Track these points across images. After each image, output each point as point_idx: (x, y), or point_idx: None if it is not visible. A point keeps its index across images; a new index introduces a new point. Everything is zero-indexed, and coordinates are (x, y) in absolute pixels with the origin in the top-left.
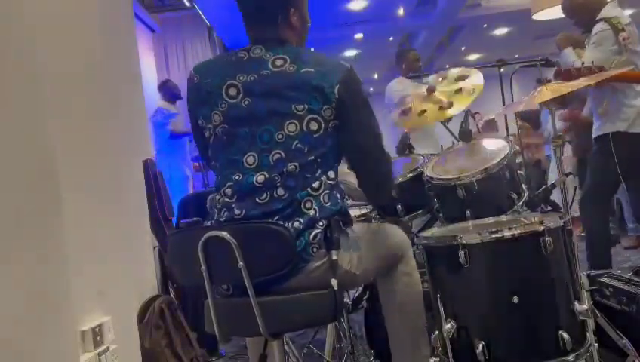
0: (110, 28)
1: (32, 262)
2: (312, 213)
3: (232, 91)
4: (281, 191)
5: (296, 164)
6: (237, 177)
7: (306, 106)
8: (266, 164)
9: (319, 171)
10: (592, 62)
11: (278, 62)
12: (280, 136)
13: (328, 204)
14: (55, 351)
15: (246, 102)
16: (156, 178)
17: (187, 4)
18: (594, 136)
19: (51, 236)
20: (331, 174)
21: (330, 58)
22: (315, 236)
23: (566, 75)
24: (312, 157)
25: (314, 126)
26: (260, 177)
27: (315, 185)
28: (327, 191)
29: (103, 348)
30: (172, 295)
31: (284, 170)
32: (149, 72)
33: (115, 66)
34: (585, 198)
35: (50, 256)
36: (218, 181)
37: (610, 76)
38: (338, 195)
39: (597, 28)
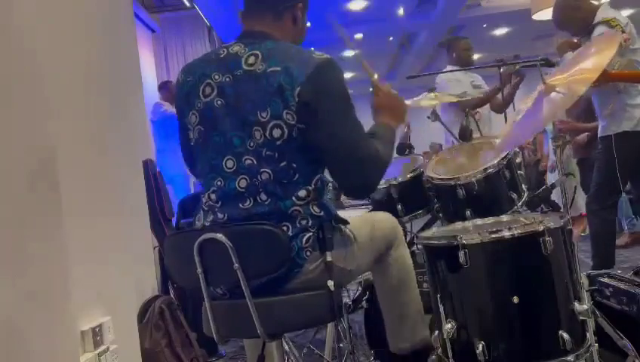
0: (110, 28)
1: (32, 262)
2: (303, 222)
3: (207, 90)
4: (264, 197)
5: (268, 171)
6: (219, 182)
7: (269, 112)
8: (243, 167)
9: (297, 176)
10: None
11: (251, 60)
12: (251, 144)
13: (322, 213)
14: (55, 351)
15: (219, 103)
16: (156, 178)
17: (187, 4)
18: (600, 135)
19: (51, 236)
20: (318, 181)
21: (305, 52)
22: (308, 239)
23: None
24: (285, 163)
25: (277, 133)
26: (241, 181)
27: (301, 194)
28: (317, 201)
29: (103, 348)
30: (172, 295)
31: (259, 176)
32: (149, 72)
33: (115, 66)
34: (591, 198)
35: (50, 256)
36: (203, 184)
37: (612, 78)
38: (330, 202)
39: (597, 31)
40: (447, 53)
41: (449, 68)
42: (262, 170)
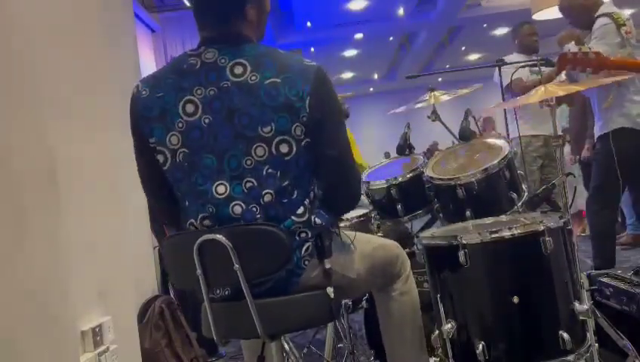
0: (110, 28)
1: (33, 262)
2: (303, 235)
3: (190, 108)
4: (261, 222)
5: (271, 191)
6: (210, 209)
7: (273, 126)
8: (239, 192)
9: (296, 193)
10: (590, 48)
11: (238, 70)
12: (249, 162)
13: (322, 223)
14: (55, 351)
15: (206, 121)
16: None
17: (187, 3)
18: (597, 134)
19: (51, 236)
20: (312, 195)
21: (295, 59)
22: (307, 248)
23: (562, 60)
24: (287, 182)
25: (284, 148)
26: (236, 208)
27: (299, 211)
28: (314, 214)
29: (103, 348)
30: (172, 295)
31: (261, 200)
32: (149, 72)
33: (115, 66)
34: (591, 198)
35: (50, 256)
36: (186, 211)
37: (612, 65)
38: (325, 210)
39: (599, 22)
40: (512, 40)
41: (514, 55)
42: (264, 191)
